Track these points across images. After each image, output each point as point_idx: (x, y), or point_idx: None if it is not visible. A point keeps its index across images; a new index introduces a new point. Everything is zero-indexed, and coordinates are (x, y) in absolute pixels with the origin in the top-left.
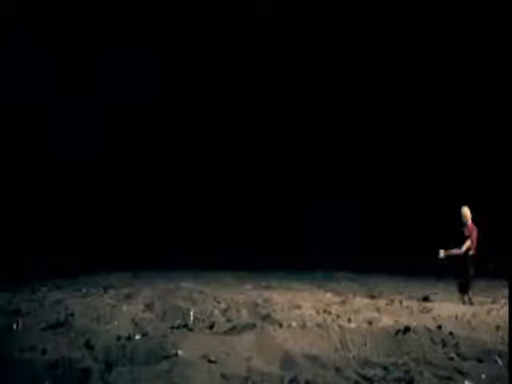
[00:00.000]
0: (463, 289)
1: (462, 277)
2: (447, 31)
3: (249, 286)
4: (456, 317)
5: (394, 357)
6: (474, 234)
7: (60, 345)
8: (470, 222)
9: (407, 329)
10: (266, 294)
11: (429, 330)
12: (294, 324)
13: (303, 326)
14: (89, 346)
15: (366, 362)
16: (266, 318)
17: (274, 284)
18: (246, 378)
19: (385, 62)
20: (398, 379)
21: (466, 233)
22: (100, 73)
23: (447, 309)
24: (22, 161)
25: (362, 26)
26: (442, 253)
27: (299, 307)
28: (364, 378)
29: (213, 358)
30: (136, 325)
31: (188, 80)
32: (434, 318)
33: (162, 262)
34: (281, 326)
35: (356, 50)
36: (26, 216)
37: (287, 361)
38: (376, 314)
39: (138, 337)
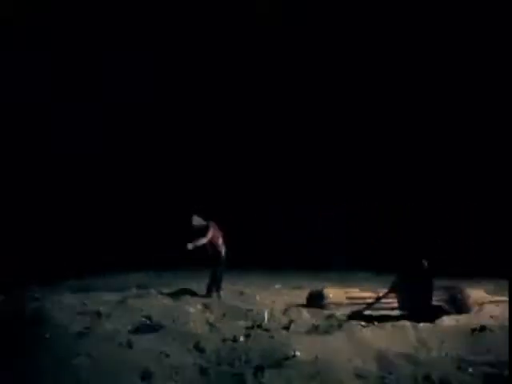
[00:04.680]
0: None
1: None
2: (447, 32)
3: (278, 286)
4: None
5: (481, 355)
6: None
7: (170, 347)
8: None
9: (483, 327)
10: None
11: (502, 327)
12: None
13: (379, 326)
14: (199, 348)
15: (461, 360)
16: (330, 317)
17: (303, 284)
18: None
19: (383, 63)
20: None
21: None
22: (100, 73)
23: (496, 308)
24: (22, 160)
25: (363, 26)
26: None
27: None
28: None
29: (325, 358)
30: (211, 325)
31: (188, 80)
32: (491, 317)
33: (173, 261)
34: (363, 326)
35: (356, 51)
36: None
37: (383, 360)
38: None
39: (242, 339)
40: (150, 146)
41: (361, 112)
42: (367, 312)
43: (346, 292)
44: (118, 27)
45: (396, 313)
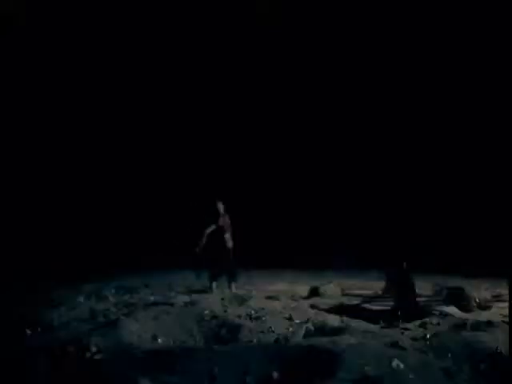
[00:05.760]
0: (214, 277)
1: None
2: (448, 35)
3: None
4: None
5: None
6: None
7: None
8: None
9: None
10: None
11: None
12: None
13: None
14: None
15: None
16: None
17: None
18: None
19: (383, 64)
20: None
21: (221, 223)
22: (100, 73)
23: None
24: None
25: (363, 27)
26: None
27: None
28: None
29: None
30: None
31: (187, 80)
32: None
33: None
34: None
35: (356, 52)
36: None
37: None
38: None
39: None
40: (153, 146)
41: (359, 109)
42: None
43: (343, 290)
44: (117, 27)
45: None
